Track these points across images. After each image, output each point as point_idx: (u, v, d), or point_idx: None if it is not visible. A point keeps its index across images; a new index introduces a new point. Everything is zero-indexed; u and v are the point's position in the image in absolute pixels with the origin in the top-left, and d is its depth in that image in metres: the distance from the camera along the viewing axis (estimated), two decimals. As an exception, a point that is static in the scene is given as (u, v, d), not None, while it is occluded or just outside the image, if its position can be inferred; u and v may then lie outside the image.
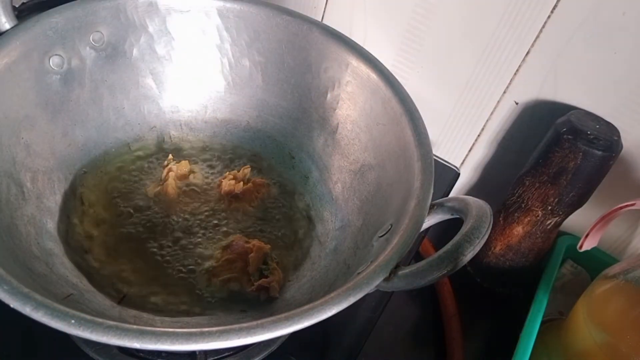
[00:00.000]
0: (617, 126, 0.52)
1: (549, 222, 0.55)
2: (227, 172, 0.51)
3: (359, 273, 0.35)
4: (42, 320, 0.28)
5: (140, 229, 0.46)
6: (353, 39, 0.49)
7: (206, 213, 0.49)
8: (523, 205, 0.55)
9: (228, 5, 0.50)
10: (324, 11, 0.62)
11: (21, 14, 0.48)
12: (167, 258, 0.45)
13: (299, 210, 0.51)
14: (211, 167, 0.53)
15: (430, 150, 0.41)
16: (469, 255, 0.33)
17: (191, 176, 0.51)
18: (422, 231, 0.38)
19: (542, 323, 0.52)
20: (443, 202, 0.38)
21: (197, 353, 0.42)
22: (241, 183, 0.49)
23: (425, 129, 0.42)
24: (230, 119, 0.55)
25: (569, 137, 0.50)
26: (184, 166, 0.51)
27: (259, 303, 0.43)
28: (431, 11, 0.56)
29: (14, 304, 0.28)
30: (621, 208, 0.48)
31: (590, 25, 0.49)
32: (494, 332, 0.59)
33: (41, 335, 0.42)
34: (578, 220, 0.58)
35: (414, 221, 0.36)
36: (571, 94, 0.54)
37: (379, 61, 0.47)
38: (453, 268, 0.32)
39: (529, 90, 0.56)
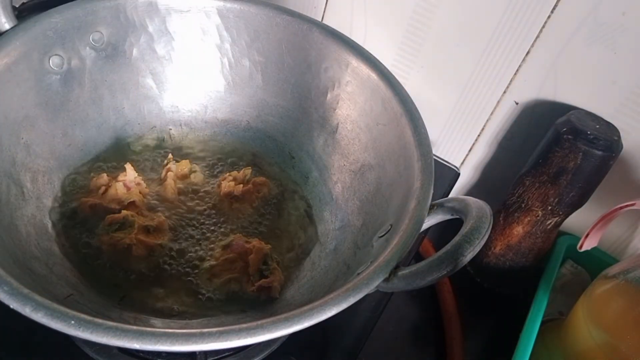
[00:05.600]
0: (617, 126, 0.52)
1: (549, 222, 0.55)
2: (227, 174, 0.51)
3: (359, 273, 0.35)
4: (42, 321, 0.28)
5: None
6: (353, 39, 0.49)
7: (206, 213, 0.49)
8: (523, 205, 0.55)
9: (228, 5, 0.50)
10: (324, 11, 0.62)
11: (21, 14, 0.48)
12: (167, 258, 0.45)
13: (299, 210, 0.51)
14: (211, 166, 0.53)
15: (430, 150, 0.41)
16: (469, 255, 0.33)
17: (192, 175, 0.51)
18: (422, 231, 0.38)
19: (542, 323, 0.52)
20: (443, 202, 0.38)
21: (197, 353, 0.42)
22: (240, 185, 0.49)
23: (425, 129, 0.42)
24: (230, 118, 0.55)
25: (569, 137, 0.50)
26: (184, 165, 0.51)
27: (259, 303, 0.43)
28: (431, 11, 0.56)
29: (14, 304, 0.28)
30: (621, 208, 0.48)
31: (590, 25, 0.49)
32: (494, 332, 0.59)
33: (41, 335, 0.42)
34: (578, 220, 0.58)
35: (414, 221, 0.36)
36: (571, 94, 0.54)
37: (379, 61, 0.47)
38: (453, 268, 0.32)
39: (529, 90, 0.56)
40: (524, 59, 0.54)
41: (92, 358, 0.42)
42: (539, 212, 0.54)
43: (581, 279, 0.61)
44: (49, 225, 0.44)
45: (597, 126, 0.51)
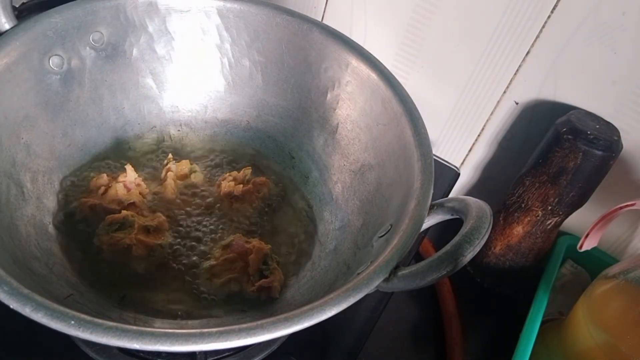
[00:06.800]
0: (617, 126, 0.52)
1: (549, 222, 0.55)
2: (227, 174, 0.51)
3: (358, 273, 0.35)
4: (42, 321, 0.28)
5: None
6: (353, 39, 0.49)
7: (206, 213, 0.49)
8: (523, 205, 0.55)
9: (228, 5, 0.50)
10: (324, 11, 0.62)
11: (21, 14, 0.48)
12: (167, 258, 0.45)
13: (299, 210, 0.51)
14: (211, 166, 0.53)
15: (430, 150, 0.41)
16: (468, 255, 0.33)
17: (192, 175, 0.51)
18: (422, 231, 0.38)
19: (542, 323, 0.52)
20: (443, 202, 0.38)
21: (197, 353, 0.42)
22: (240, 185, 0.49)
23: (425, 129, 0.42)
24: (230, 118, 0.55)
25: (569, 137, 0.50)
26: (184, 165, 0.51)
27: (259, 303, 0.43)
28: (431, 11, 0.56)
29: (14, 304, 0.28)
30: (621, 208, 0.48)
31: (590, 25, 0.49)
32: (494, 332, 0.59)
33: (41, 335, 0.42)
34: (578, 220, 0.58)
35: (413, 221, 0.36)
36: (571, 94, 0.54)
37: (379, 61, 0.47)
38: (453, 269, 0.32)
39: (529, 90, 0.56)
40: (524, 59, 0.54)
41: (92, 358, 0.42)
42: (539, 212, 0.54)
43: (581, 279, 0.61)
44: (49, 225, 0.44)
45: (597, 126, 0.51)
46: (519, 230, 0.56)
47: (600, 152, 0.49)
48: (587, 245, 0.51)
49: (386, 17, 0.59)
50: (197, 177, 0.51)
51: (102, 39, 0.48)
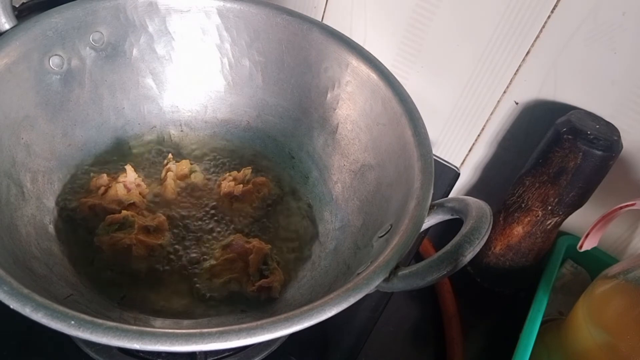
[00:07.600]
0: (617, 126, 0.52)
1: (549, 222, 0.55)
2: (227, 174, 0.51)
3: (358, 273, 0.35)
4: (42, 321, 0.28)
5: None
6: (353, 39, 0.49)
7: (206, 213, 0.49)
8: (523, 205, 0.55)
9: (228, 5, 0.50)
10: (324, 11, 0.62)
11: (21, 14, 0.48)
12: (167, 258, 0.45)
13: (299, 210, 0.51)
14: (211, 166, 0.53)
15: (430, 150, 0.41)
16: (469, 255, 0.33)
17: (192, 175, 0.51)
18: (422, 231, 0.38)
19: (542, 323, 0.52)
20: (443, 202, 0.38)
21: (197, 353, 0.42)
22: (240, 185, 0.49)
23: (425, 129, 0.42)
24: (230, 118, 0.55)
25: (569, 137, 0.50)
26: (184, 165, 0.51)
27: (259, 303, 0.43)
28: (431, 11, 0.56)
29: (14, 304, 0.28)
30: (621, 208, 0.48)
31: (590, 25, 0.49)
32: (494, 332, 0.59)
33: (41, 334, 0.42)
34: (578, 220, 0.58)
35: (413, 221, 0.36)
36: (571, 94, 0.54)
37: (379, 61, 0.47)
38: (453, 269, 0.32)
39: (529, 90, 0.56)
40: (524, 59, 0.54)
41: (92, 358, 0.42)
42: (539, 212, 0.54)
43: (581, 279, 0.61)
44: (49, 225, 0.44)
45: (597, 126, 0.51)
46: (519, 230, 0.56)
47: (600, 152, 0.49)
48: (587, 245, 0.51)
49: (386, 17, 0.59)
50: (197, 177, 0.51)
51: (102, 39, 0.48)
